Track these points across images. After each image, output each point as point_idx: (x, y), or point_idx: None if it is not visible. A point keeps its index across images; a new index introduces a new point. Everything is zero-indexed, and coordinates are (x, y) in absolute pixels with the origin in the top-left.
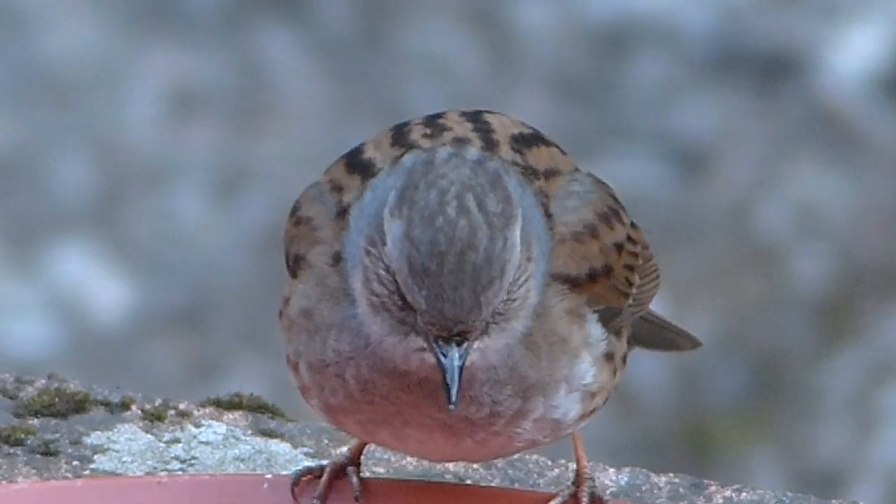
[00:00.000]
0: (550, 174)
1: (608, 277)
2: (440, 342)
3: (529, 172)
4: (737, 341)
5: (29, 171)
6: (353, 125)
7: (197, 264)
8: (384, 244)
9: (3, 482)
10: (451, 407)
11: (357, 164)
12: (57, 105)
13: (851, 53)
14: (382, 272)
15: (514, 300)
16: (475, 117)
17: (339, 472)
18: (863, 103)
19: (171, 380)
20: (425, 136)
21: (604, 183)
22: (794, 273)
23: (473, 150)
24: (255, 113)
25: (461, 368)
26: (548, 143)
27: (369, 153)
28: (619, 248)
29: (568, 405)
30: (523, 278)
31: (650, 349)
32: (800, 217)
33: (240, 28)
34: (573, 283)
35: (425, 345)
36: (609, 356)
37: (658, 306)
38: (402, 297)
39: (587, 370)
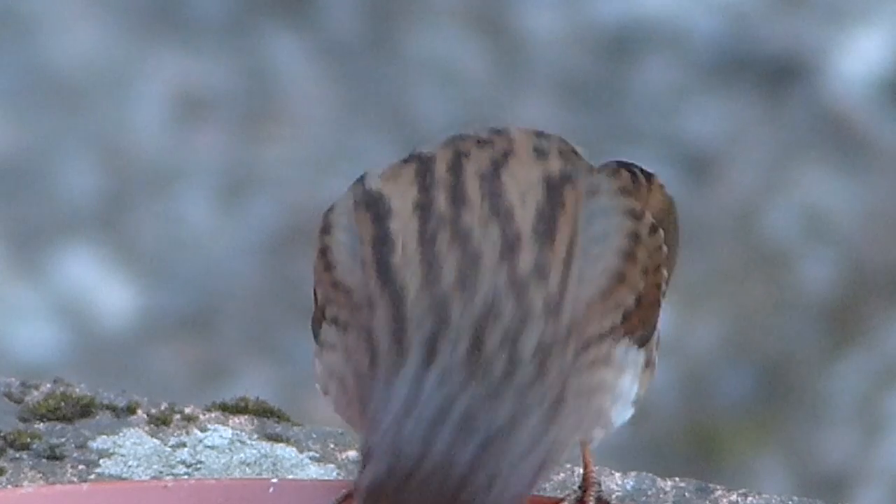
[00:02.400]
0: (573, 244)
1: (640, 307)
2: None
3: (553, 308)
4: (743, 345)
5: (35, 175)
6: (360, 129)
7: (203, 268)
8: None
9: (9, 487)
10: None
11: (379, 211)
12: (63, 109)
13: (858, 58)
14: None
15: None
16: (491, 183)
17: None
18: (870, 108)
19: (177, 384)
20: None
21: (614, 176)
22: (801, 277)
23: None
24: (261, 117)
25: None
26: (570, 184)
27: (391, 202)
28: (644, 272)
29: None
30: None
31: None
32: (806, 221)
33: (246, 32)
34: (605, 334)
35: None
36: (649, 362)
37: (664, 311)
38: None
39: (624, 388)
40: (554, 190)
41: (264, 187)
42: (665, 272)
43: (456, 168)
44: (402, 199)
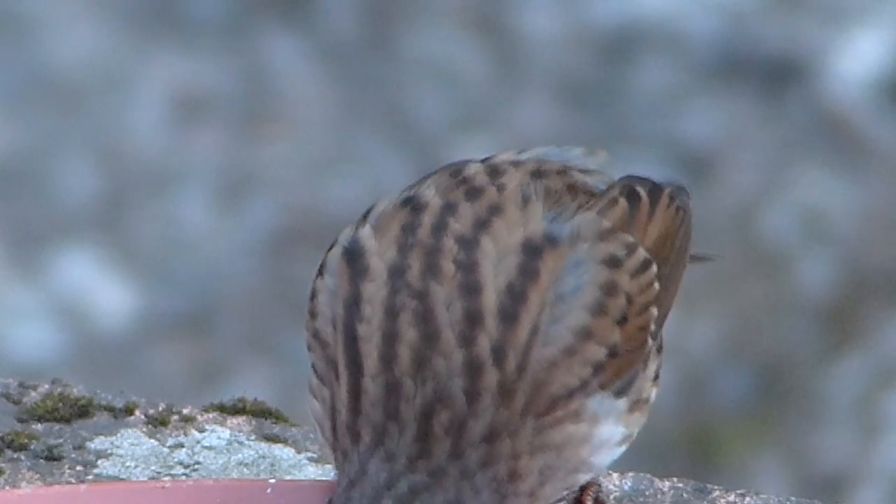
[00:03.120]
0: (540, 314)
1: (615, 357)
2: None
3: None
4: (741, 346)
5: (34, 176)
6: (359, 130)
7: (201, 269)
8: None
9: (7, 487)
10: None
11: (360, 266)
12: (62, 110)
13: (856, 59)
14: None
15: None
16: (469, 252)
17: None
18: (867, 109)
19: (175, 385)
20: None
21: (609, 206)
22: (799, 278)
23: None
24: (259, 118)
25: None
26: (551, 245)
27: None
28: (622, 321)
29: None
30: None
31: None
32: (805, 222)
33: (245, 33)
34: (571, 393)
35: None
36: (634, 405)
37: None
38: None
39: (610, 436)
40: (532, 256)
41: (263, 188)
42: (655, 311)
43: (439, 229)
44: (381, 257)
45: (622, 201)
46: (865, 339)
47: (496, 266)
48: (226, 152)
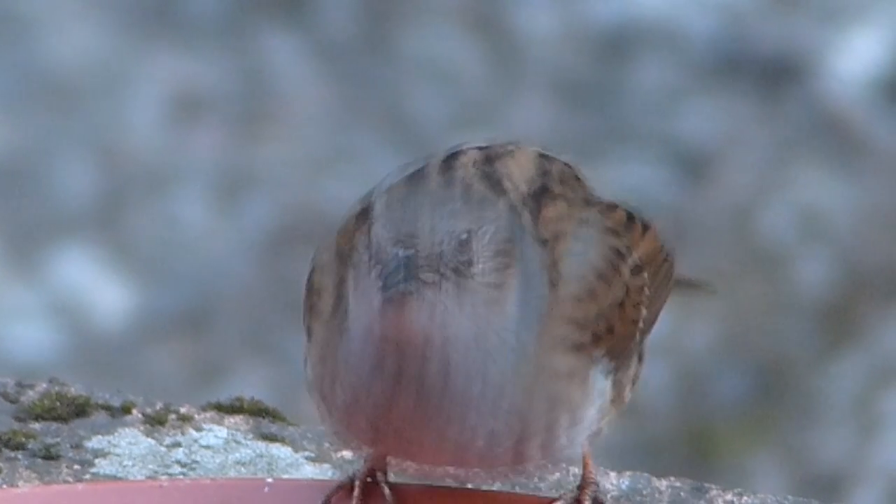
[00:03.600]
0: (557, 238)
1: (611, 335)
2: (389, 248)
3: (539, 240)
4: (739, 345)
5: (32, 175)
6: (357, 130)
7: (199, 269)
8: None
9: (5, 486)
10: (398, 288)
11: (363, 214)
12: (60, 109)
13: (854, 58)
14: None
15: (477, 264)
16: (489, 168)
17: (369, 475)
18: (866, 108)
19: (173, 384)
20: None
21: (610, 210)
22: (797, 277)
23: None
24: (258, 117)
25: (405, 259)
26: (557, 195)
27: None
28: (620, 304)
29: (564, 449)
30: (496, 252)
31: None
32: (803, 221)
33: (243, 33)
34: (577, 348)
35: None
36: (617, 386)
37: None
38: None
39: (589, 422)
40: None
41: (261, 187)
42: (644, 311)
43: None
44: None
45: (620, 211)
46: (863, 339)
47: (516, 181)
48: (224, 151)
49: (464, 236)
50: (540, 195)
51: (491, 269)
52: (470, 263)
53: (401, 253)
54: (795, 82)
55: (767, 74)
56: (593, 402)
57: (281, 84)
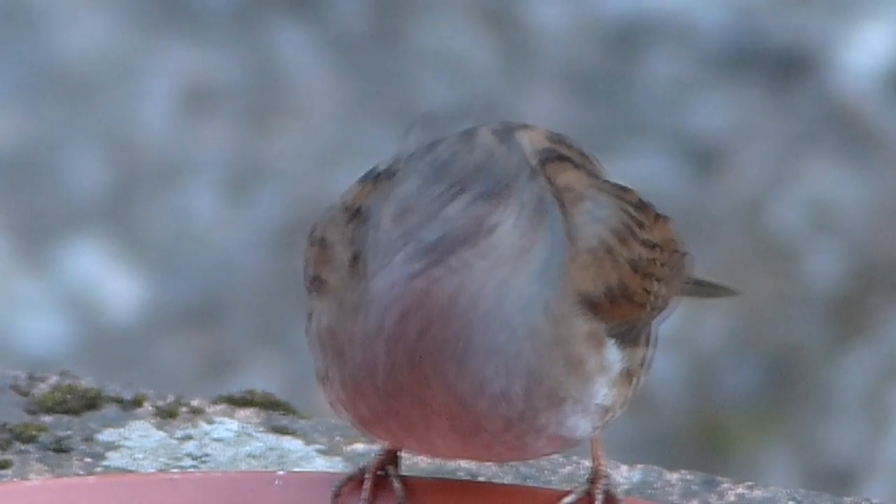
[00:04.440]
0: (572, 201)
1: (625, 296)
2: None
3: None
4: (750, 338)
5: (43, 168)
6: (367, 122)
7: (210, 261)
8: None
9: (16, 479)
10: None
11: (369, 175)
12: (71, 102)
13: (865, 51)
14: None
15: (509, 223)
16: (506, 137)
17: (380, 468)
18: (876, 100)
19: (184, 377)
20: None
21: (623, 190)
22: (808, 270)
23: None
24: (269, 110)
25: (444, 216)
26: (570, 161)
27: (382, 167)
28: (634, 266)
29: (577, 422)
30: (527, 212)
31: (687, 297)
32: (813, 214)
33: (253, 25)
34: (591, 305)
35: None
36: (627, 372)
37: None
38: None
39: (599, 391)
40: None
41: (272, 180)
42: (656, 286)
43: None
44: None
45: (635, 193)
46: (874, 332)
47: (531, 146)
48: (235, 144)
49: (496, 198)
50: (554, 161)
51: (522, 228)
52: (501, 223)
53: (439, 210)
54: (806, 75)
55: (778, 68)
56: (607, 371)
57: (292, 77)
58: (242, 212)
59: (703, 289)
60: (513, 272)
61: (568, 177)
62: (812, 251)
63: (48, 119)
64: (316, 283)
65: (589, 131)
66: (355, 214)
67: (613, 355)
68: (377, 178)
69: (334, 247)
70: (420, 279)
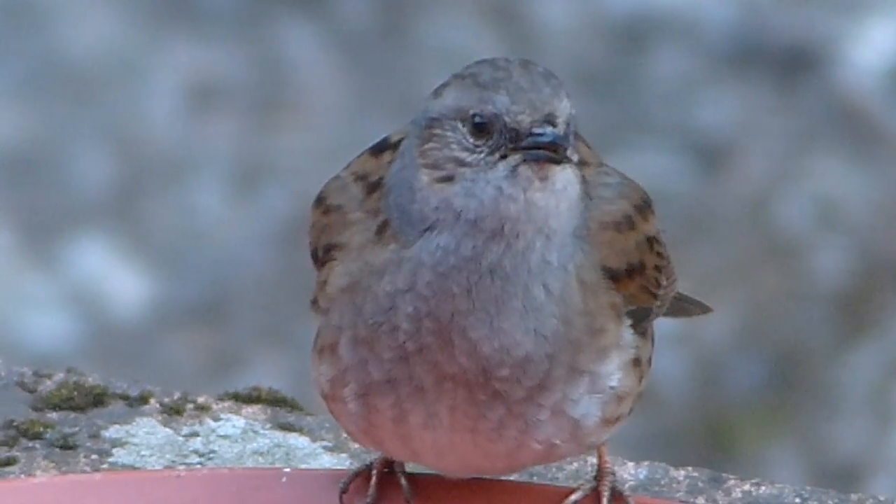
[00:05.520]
0: (581, 165)
1: (642, 275)
2: (533, 130)
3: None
4: (756, 335)
5: (48, 165)
6: (372, 119)
7: (216, 258)
8: (435, 117)
9: (22, 476)
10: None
11: (383, 146)
12: (76, 99)
13: (870, 48)
14: (442, 132)
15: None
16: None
17: (386, 465)
18: (882, 97)
19: (190, 374)
20: None
21: (631, 180)
22: (814, 267)
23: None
24: (274, 107)
25: (557, 138)
26: (582, 141)
27: (395, 138)
28: (650, 242)
29: (588, 405)
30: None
31: (663, 317)
32: (819, 211)
33: (259, 22)
34: (614, 278)
35: (508, 166)
36: (637, 361)
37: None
38: (475, 133)
39: (614, 372)
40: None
41: (277, 177)
42: (665, 282)
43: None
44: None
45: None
46: (880, 328)
47: None
48: (240, 141)
49: (573, 122)
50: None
51: (575, 175)
52: (575, 154)
53: (549, 131)
54: (812, 72)
55: (784, 64)
56: (622, 351)
57: (298, 74)
58: (248, 208)
59: (680, 305)
60: (565, 221)
61: (583, 152)
62: (818, 248)
63: (53, 116)
64: (330, 250)
65: (596, 128)
66: (377, 186)
67: (628, 336)
68: (395, 148)
69: (354, 212)
70: (532, 177)
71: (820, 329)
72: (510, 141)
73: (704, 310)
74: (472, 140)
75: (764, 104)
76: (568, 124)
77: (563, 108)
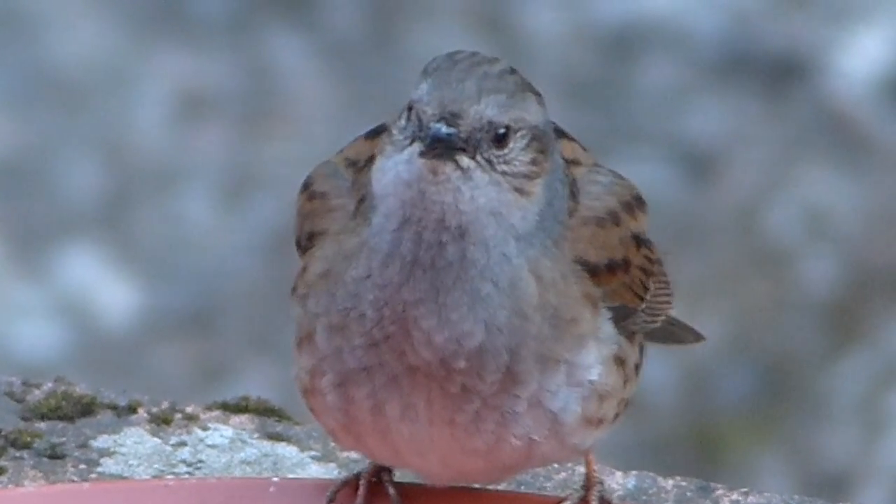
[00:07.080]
0: (574, 164)
1: (626, 272)
2: (430, 124)
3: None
4: (745, 344)
5: (38, 174)
6: (361, 128)
7: (205, 267)
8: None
9: (10, 486)
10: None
11: (378, 131)
12: (66, 108)
13: (859, 57)
14: (402, 114)
15: (509, 156)
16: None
17: (374, 475)
18: (871, 107)
19: (179, 383)
20: None
21: (626, 179)
22: (803, 276)
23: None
24: (263, 116)
25: (446, 135)
26: (570, 138)
27: (390, 123)
28: (637, 241)
29: (567, 398)
30: (528, 145)
31: (654, 343)
32: (808, 220)
33: (248, 31)
34: (593, 272)
35: (410, 152)
36: (620, 360)
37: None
38: (407, 117)
39: (593, 364)
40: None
41: (266, 186)
42: (652, 287)
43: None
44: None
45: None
46: (869, 338)
47: None
48: (229, 150)
49: (502, 131)
50: (560, 136)
51: (520, 171)
52: (503, 160)
53: (443, 129)
54: (801, 81)
55: (773, 74)
56: (601, 343)
57: (286, 83)
58: (237, 218)
59: (673, 331)
60: (508, 212)
61: (575, 151)
62: (807, 257)
63: (43, 125)
64: (312, 238)
65: (584, 137)
66: (366, 165)
67: (608, 329)
68: (370, 134)
69: (339, 197)
70: (425, 184)
71: (809, 338)
72: (418, 129)
73: (698, 338)
74: (402, 123)
75: (753, 113)
76: (480, 129)
77: (477, 111)
